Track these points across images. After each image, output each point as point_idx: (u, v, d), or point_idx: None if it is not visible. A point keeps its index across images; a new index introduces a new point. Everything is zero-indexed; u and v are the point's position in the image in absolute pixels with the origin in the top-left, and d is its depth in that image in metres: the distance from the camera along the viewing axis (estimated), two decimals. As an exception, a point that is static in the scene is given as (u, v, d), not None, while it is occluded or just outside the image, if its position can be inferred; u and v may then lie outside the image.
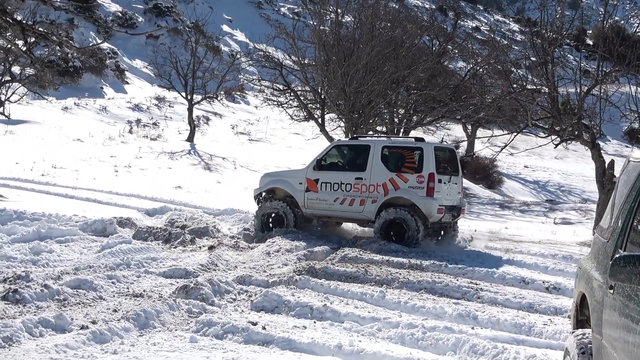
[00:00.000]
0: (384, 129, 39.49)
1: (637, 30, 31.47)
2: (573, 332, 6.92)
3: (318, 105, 36.38)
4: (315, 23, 38.31)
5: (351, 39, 35.52)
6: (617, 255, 5.25)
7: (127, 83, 61.44)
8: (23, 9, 23.75)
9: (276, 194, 20.35)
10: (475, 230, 23.54)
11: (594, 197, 34.39)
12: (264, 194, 20.57)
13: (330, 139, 32.20)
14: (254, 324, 10.17)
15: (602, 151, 25.77)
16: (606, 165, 24.90)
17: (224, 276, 13.62)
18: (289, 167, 28.05)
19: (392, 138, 20.73)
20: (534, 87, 28.84)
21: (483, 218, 31.17)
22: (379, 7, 39.17)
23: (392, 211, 18.47)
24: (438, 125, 45.97)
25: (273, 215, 19.88)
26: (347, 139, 20.85)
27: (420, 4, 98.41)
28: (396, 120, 39.65)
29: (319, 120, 35.60)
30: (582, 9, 42.81)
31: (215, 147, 44.04)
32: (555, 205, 38.77)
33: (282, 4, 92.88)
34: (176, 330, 10.09)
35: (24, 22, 13.77)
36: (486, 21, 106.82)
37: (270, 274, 14.14)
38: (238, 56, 60.03)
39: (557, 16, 28.92)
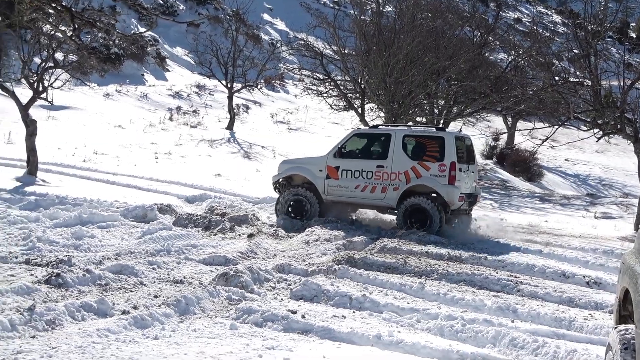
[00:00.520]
0: (424, 120, 39.38)
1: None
2: (616, 327, 6.85)
3: (358, 95, 36.35)
4: (356, 13, 38.24)
5: (392, 29, 35.40)
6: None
7: (168, 70, 61.62)
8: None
9: (293, 181, 20.66)
10: (503, 219, 23.44)
11: (636, 191, 34.15)
12: (281, 180, 20.86)
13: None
14: (294, 312, 10.21)
15: (644, 145, 25.49)
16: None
17: (263, 264, 13.68)
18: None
19: (412, 127, 20.77)
20: (576, 80, 28.61)
21: (523, 211, 30.98)
22: (421, -3, 39.01)
23: (415, 199, 18.99)
24: (478, 116, 45.76)
25: (296, 202, 20.18)
26: (366, 128, 21.02)
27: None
28: (436, 111, 39.51)
29: (359, 110, 35.57)
30: (625, 1, 42.36)
31: (254, 136, 44.10)
32: (596, 199, 38.39)
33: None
34: (216, 317, 10.16)
35: (73, 9, 13.88)
36: (528, 12, 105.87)
37: (309, 263, 14.18)
38: (278, 45, 60.07)
39: (601, 8, 28.64)
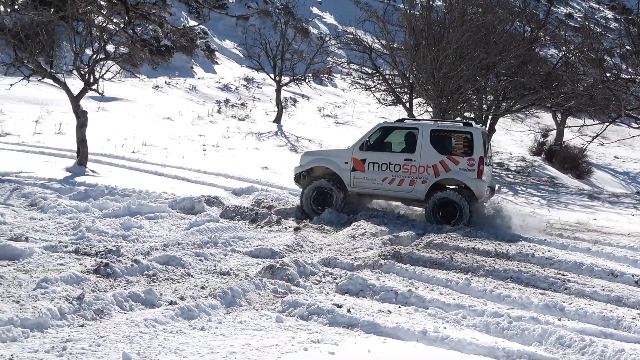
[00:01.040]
0: (472, 115, 39.19)
1: None
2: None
3: (406, 90, 36.25)
4: (405, 7, 38.12)
5: (441, 23, 35.23)
6: None
7: (217, 63, 61.92)
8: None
9: (314, 173, 20.86)
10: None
11: (687, 190, 33.67)
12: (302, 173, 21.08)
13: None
14: (339, 306, 10.22)
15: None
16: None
17: (309, 258, 13.71)
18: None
19: (438, 122, 21.06)
20: (628, 77, 28.26)
21: (571, 208, 30.71)
22: (471, -8, 38.75)
23: (445, 192, 19.45)
24: (527, 112, 45.42)
25: (322, 193, 20.36)
26: (392, 122, 21.20)
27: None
28: (484, 106, 39.29)
29: (407, 104, 35.47)
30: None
31: (301, 129, 44.16)
32: (646, 197, 37.96)
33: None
34: (262, 309, 10.21)
35: (128, 2, 14.01)
36: (579, 8, 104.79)
37: (355, 257, 14.17)
38: (327, 39, 60.08)
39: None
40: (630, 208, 32.70)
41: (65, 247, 13.02)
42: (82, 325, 8.71)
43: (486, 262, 14.05)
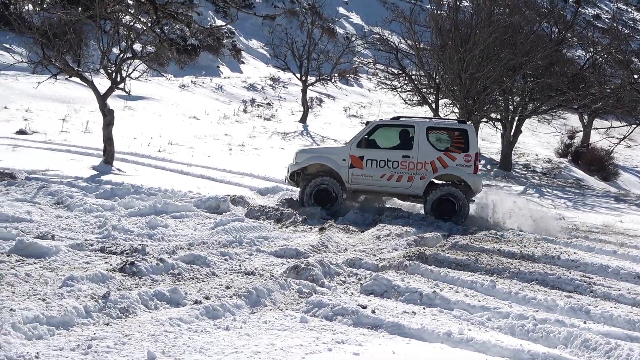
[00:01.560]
0: (499, 116, 39.06)
1: None
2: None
3: (432, 90, 36.18)
4: (432, 7, 38.04)
5: (468, 24, 35.15)
6: None
7: (243, 63, 62.10)
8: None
9: (307, 170, 20.96)
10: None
11: None
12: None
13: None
14: (364, 307, 10.20)
15: None
16: None
17: (334, 258, 13.70)
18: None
19: (433, 119, 22.01)
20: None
21: (597, 210, 30.55)
22: (498, -7, 38.61)
23: (445, 188, 20.22)
24: (554, 114, 45.22)
25: (323, 191, 20.45)
26: (388, 119, 21.46)
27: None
28: (511, 107, 39.14)
29: (433, 105, 35.42)
30: None
31: (327, 129, 44.20)
32: (673, 200, 37.68)
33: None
34: (287, 309, 10.20)
35: (156, 1, 14.08)
36: (607, 9, 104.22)
37: (380, 258, 14.15)
38: (353, 39, 60.03)
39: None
40: (657, 211, 32.48)
41: (91, 245, 13.09)
42: (107, 324, 8.75)
43: (511, 264, 13.99)
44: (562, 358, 8.87)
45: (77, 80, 27.38)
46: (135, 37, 26.77)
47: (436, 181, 20.68)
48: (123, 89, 26.11)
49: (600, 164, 44.92)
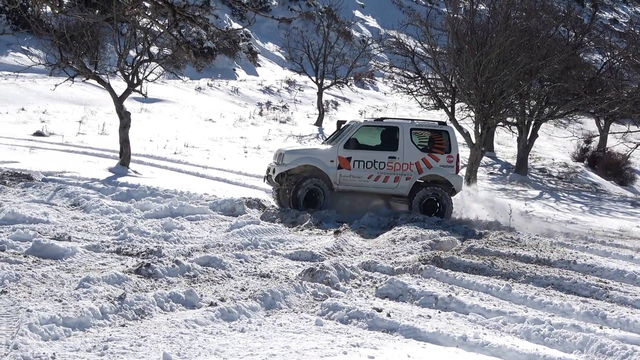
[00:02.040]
0: (515, 120, 38.97)
1: None
2: None
3: (448, 94, 36.07)
4: (449, 11, 37.99)
5: (485, 28, 35.04)
6: None
7: (259, 65, 62.14)
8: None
9: (293, 172, 20.57)
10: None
11: None
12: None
13: (459, 128, 31.91)
14: (379, 310, 10.20)
15: None
16: None
17: (349, 261, 13.70)
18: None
19: (415, 121, 22.13)
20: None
21: (614, 215, 30.45)
22: (515, -4, 38.51)
23: (432, 188, 20.79)
24: (570, 118, 45.06)
25: (313, 191, 20.36)
26: (372, 120, 21.61)
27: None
28: (527, 111, 39.03)
29: (449, 109, 35.33)
30: None
31: (343, 132, 44.14)
32: (690, 205, 37.48)
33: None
34: (302, 312, 10.22)
35: (174, 4, 14.12)
36: (625, 13, 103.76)
37: (395, 262, 14.13)
38: (369, 42, 60.01)
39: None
40: (674, 216, 32.32)
41: (107, 247, 13.15)
42: (123, 325, 8.78)
43: (527, 268, 13.95)
44: (577, 363, 8.85)
45: (94, 82, 27.58)
46: (152, 39, 26.88)
47: (418, 181, 21.03)
48: (139, 92, 26.22)
49: (616, 169, 44.72)
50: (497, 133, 45.48)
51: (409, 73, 39.40)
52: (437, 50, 36.38)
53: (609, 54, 46.14)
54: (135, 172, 23.87)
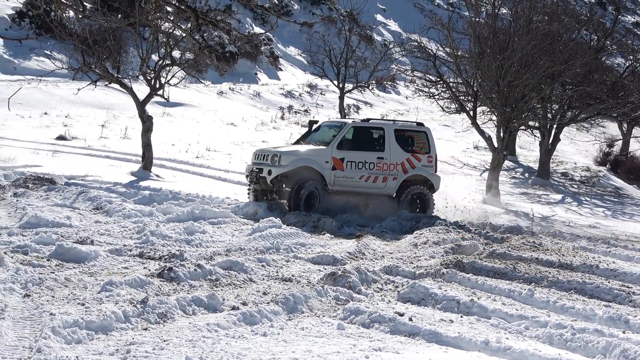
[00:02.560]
0: (537, 124, 38.84)
1: None
2: None
3: (470, 98, 36.02)
4: (470, 15, 37.92)
5: (507, 31, 34.95)
6: None
7: (281, 69, 62.25)
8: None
9: (289, 173, 20.28)
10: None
11: None
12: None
13: (481, 132, 31.85)
14: (401, 314, 10.19)
15: None
16: None
17: (371, 265, 13.69)
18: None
19: (397, 122, 22.60)
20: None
21: (636, 219, 30.30)
22: (536, 0, 38.36)
23: (415, 188, 21.51)
24: (592, 122, 44.88)
25: (310, 194, 20.23)
26: (360, 121, 21.61)
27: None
28: (549, 115, 38.90)
29: (471, 113, 35.27)
30: None
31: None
32: None
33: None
34: (324, 316, 10.21)
35: (198, 9, 14.19)
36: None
37: (417, 266, 14.12)
38: (391, 46, 59.97)
39: None
40: (697, 220, 32.10)
41: (130, 250, 13.21)
42: (145, 329, 8.82)
43: (550, 272, 13.89)
44: (600, 368, 8.81)
45: (117, 86, 27.67)
46: (174, 44, 26.98)
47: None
48: (162, 96, 26.32)
49: (639, 173, 44.49)
50: (519, 137, 45.30)
51: (430, 77, 39.31)
52: (459, 54, 36.34)
53: (631, 57, 45.93)
54: (157, 176, 23.97)
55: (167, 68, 26.06)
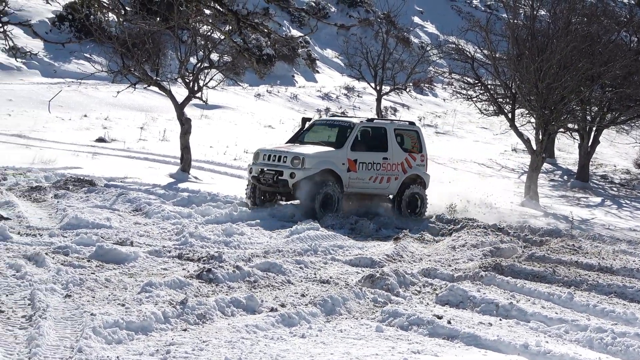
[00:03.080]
0: (576, 127, 38.54)
1: None
2: None
3: (508, 100, 35.83)
4: (509, 16, 37.75)
5: (545, 33, 34.73)
6: None
7: (318, 72, 62.32)
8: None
9: (313, 176, 19.79)
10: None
11: None
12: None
13: (520, 134, 31.64)
14: (439, 317, 10.17)
15: None
16: None
17: (409, 268, 13.67)
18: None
19: (393, 121, 23.10)
20: None
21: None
22: (575, 1, 38.07)
23: (412, 187, 21.30)
24: (632, 124, 44.46)
25: (331, 196, 19.72)
26: (365, 121, 21.25)
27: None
28: (589, 118, 38.60)
29: (509, 115, 35.10)
30: None
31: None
32: None
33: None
34: (362, 318, 10.23)
35: (239, 12, 14.27)
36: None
37: (455, 269, 14.07)
38: (428, 48, 59.80)
39: None
40: None
41: (169, 252, 13.30)
42: (185, 330, 8.87)
43: (589, 276, 13.80)
44: (642, 372, 8.74)
45: (155, 89, 27.88)
46: (213, 46, 27.10)
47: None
48: (200, 98, 26.44)
49: (680, 175, 44.02)
50: (558, 139, 44.98)
51: (468, 79, 39.17)
52: (497, 56, 36.15)
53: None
54: (195, 178, 24.08)
55: (206, 71, 26.18)
